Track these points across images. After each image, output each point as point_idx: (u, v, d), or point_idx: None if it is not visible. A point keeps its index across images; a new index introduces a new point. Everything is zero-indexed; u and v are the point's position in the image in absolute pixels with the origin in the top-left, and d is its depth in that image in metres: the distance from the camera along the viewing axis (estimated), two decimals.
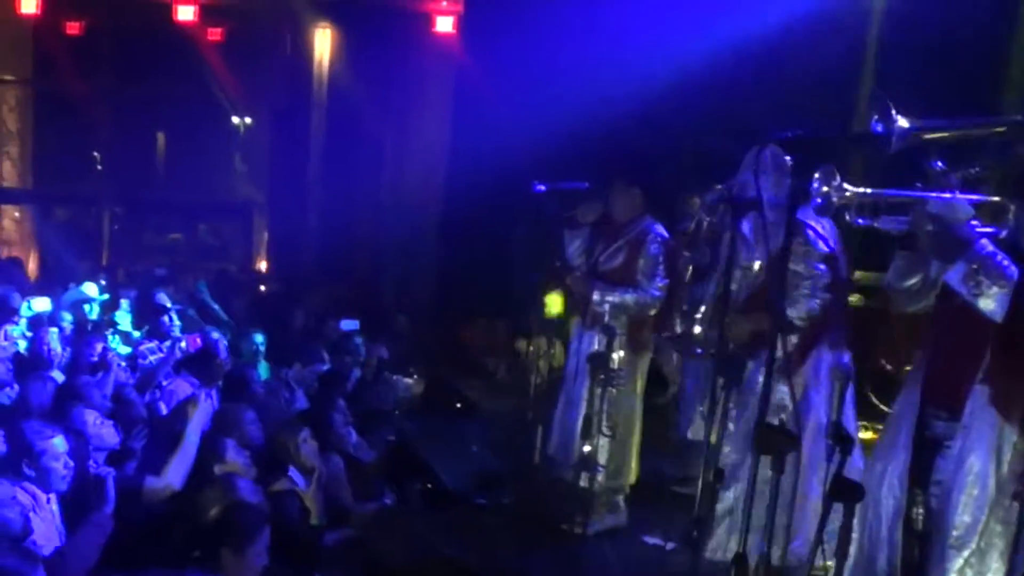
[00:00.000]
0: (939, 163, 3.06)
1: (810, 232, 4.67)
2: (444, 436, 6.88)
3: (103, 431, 4.99)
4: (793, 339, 4.71)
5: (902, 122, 2.52)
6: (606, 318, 5.38)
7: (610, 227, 5.84)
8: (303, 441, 5.08)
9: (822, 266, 4.74)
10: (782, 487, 3.16)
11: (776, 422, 3.39)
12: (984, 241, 3.22)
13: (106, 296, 9.03)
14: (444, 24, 11.88)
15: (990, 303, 3.14)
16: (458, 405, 7.80)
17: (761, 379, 4.43)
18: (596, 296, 5.55)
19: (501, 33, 10.23)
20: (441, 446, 6.57)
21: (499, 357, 9.43)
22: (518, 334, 8.84)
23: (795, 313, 4.68)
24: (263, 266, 14.14)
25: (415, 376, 8.53)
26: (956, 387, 3.40)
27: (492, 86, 10.30)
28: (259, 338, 7.43)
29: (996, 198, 3.49)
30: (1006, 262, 3.14)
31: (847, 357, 4.50)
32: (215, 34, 12.93)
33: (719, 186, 5.94)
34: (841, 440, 3.11)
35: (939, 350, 3.57)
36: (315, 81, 12.65)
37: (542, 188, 6.03)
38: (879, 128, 2.54)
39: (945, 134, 2.78)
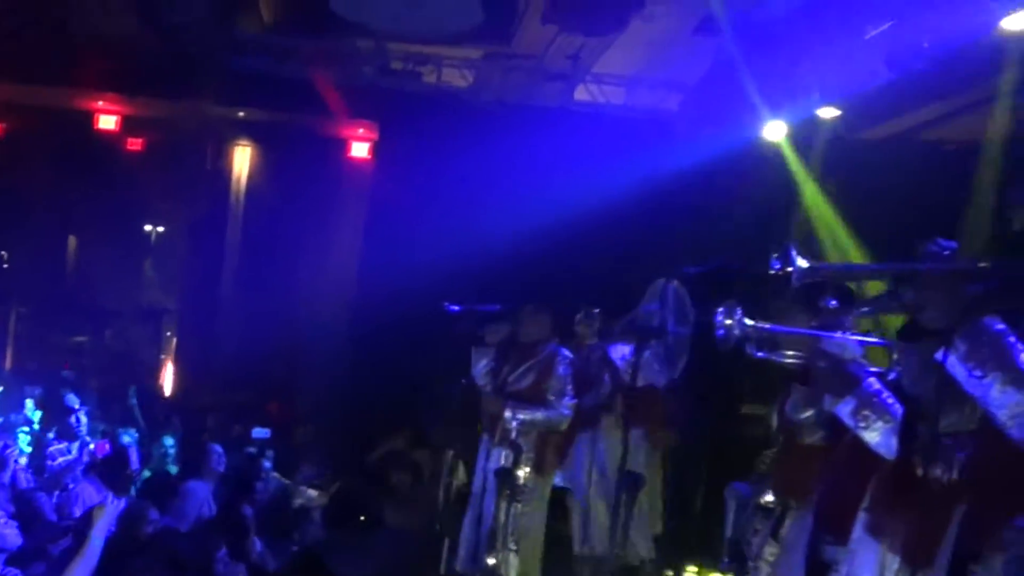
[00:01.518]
0: (833, 302, 3.22)
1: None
2: (348, 547, 6.77)
3: (6, 531, 4.84)
4: None
5: (801, 263, 2.60)
6: (514, 435, 5.47)
7: (517, 348, 5.97)
8: (218, 561, 5.02)
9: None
10: None
11: None
12: (871, 379, 3.42)
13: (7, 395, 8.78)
14: (359, 149, 12.11)
15: (875, 436, 3.32)
16: (362, 517, 7.69)
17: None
18: (508, 413, 5.64)
19: (415, 160, 10.51)
20: (346, 557, 6.47)
21: (404, 470, 9.35)
22: (423, 447, 8.82)
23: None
24: (169, 372, 13.88)
25: (321, 486, 8.41)
26: (844, 514, 3.49)
27: (404, 209, 10.53)
28: (169, 441, 7.30)
29: (880, 341, 3.72)
30: (891, 400, 3.33)
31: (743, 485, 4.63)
32: (135, 144, 12.87)
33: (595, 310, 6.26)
34: (737, 558, 3.23)
35: (830, 478, 3.71)
36: (233, 195, 12.70)
37: (455, 309, 6.16)
38: (778, 266, 2.61)
39: (843, 276, 2.93)
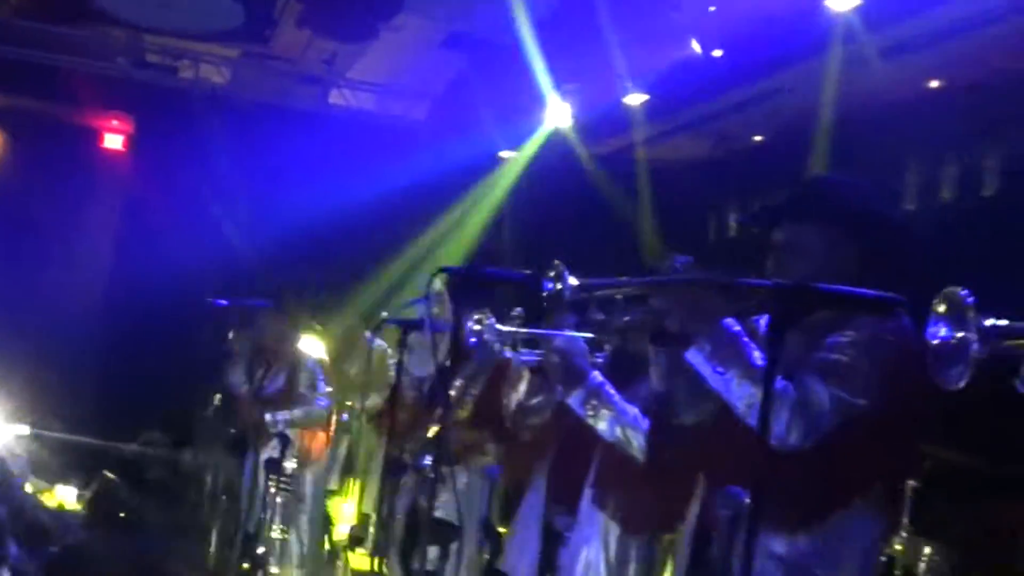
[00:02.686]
0: (599, 315, 3.41)
1: None
2: (110, 547, 6.68)
3: None
4: None
5: (572, 280, 2.68)
6: (280, 427, 5.57)
7: (268, 351, 6.04)
8: None
9: None
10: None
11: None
12: (596, 373, 3.79)
13: None
14: (113, 141, 11.63)
15: (602, 424, 3.65)
16: (122, 515, 7.56)
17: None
18: (268, 418, 5.73)
19: (172, 155, 10.26)
20: (107, 557, 6.39)
21: (163, 468, 9.18)
22: (186, 444, 8.71)
23: None
24: None
25: (79, 486, 8.17)
26: (573, 488, 3.81)
27: (162, 204, 10.25)
28: None
29: (591, 335, 4.09)
30: (612, 391, 3.72)
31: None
32: None
33: None
34: (490, 535, 3.53)
35: (561, 457, 4.03)
36: None
37: (223, 303, 6.11)
38: (550, 287, 2.68)
39: (610, 291, 3.12)
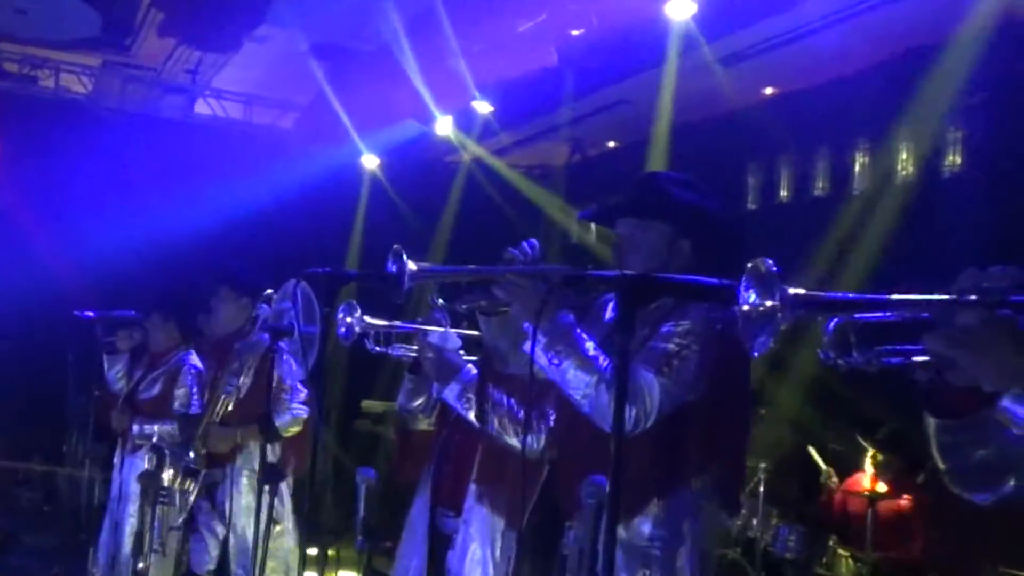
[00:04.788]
0: (439, 299, 3.34)
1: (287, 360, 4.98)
2: None
3: None
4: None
5: (412, 265, 2.66)
6: (155, 439, 5.32)
7: (148, 357, 5.79)
8: None
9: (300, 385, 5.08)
10: None
11: None
12: (469, 366, 3.73)
13: None
14: None
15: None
16: None
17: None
18: (136, 428, 5.48)
19: (35, 166, 9.69)
20: None
21: (35, 490, 8.61)
22: (56, 463, 8.20)
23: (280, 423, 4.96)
24: None
25: None
26: (457, 488, 3.69)
27: (25, 215, 9.68)
28: None
29: (477, 332, 4.05)
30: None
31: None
32: None
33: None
34: (369, 536, 3.42)
35: (443, 457, 3.90)
36: None
37: (89, 315, 5.83)
38: (393, 269, 2.66)
39: (451, 277, 3.06)
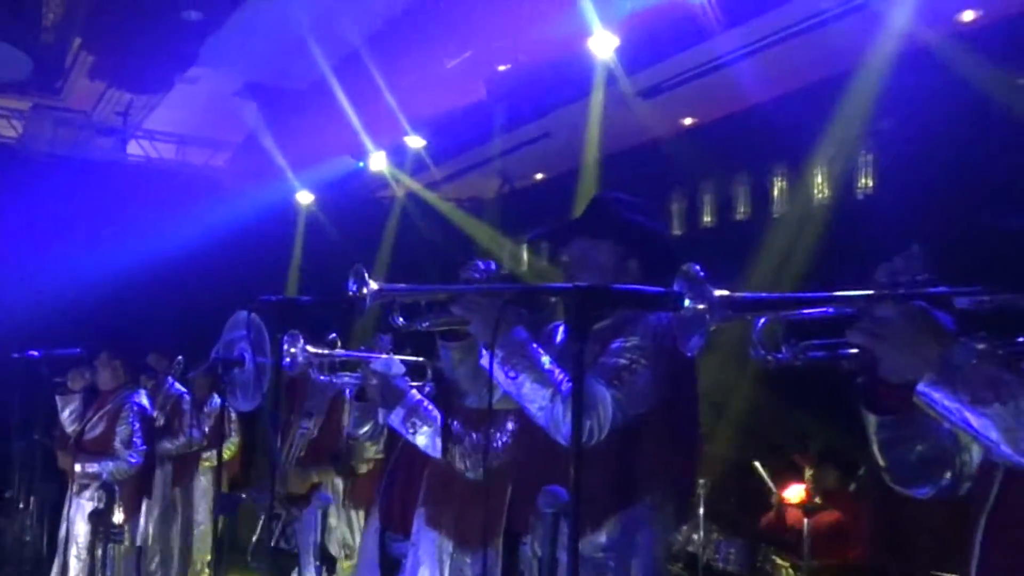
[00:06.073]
0: (400, 319, 3.26)
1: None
2: None
3: None
4: None
5: (373, 284, 2.63)
6: (104, 476, 5.17)
7: (97, 396, 5.66)
8: None
9: None
10: None
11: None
12: (414, 392, 3.71)
13: None
14: None
15: (423, 439, 3.58)
16: None
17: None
18: (78, 468, 5.34)
19: None
20: None
21: None
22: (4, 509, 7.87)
23: None
24: None
25: None
26: (406, 512, 3.68)
27: None
28: None
29: (420, 358, 4.04)
30: (431, 407, 3.65)
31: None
32: None
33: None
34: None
35: (391, 481, 3.88)
36: None
37: (35, 354, 5.67)
38: (354, 288, 2.64)
39: (411, 296, 3.02)
